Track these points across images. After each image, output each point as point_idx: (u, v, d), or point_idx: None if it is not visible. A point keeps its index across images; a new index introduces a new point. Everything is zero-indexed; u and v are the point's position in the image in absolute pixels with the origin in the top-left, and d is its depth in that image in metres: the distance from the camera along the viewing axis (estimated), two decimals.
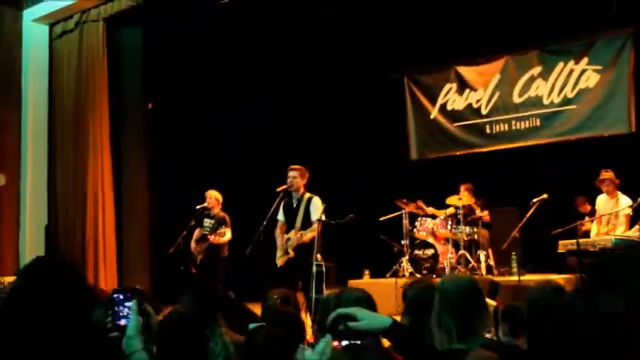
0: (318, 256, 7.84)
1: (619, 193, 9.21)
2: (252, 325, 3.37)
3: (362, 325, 2.12)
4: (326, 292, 7.86)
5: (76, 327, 2.17)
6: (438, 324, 3.15)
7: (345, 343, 2.09)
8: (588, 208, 10.59)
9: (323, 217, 8.06)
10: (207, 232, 9.88)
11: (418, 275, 10.50)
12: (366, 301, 3.50)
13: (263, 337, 2.96)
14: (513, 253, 10.31)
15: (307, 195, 8.45)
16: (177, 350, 3.03)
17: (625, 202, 8.80)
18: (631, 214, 8.51)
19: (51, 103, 11.63)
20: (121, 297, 2.62)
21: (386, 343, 2.84)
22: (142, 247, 11.57)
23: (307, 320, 7.72)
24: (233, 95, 12.24)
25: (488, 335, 3.53)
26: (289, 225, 8.47)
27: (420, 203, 11.36)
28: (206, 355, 3.23)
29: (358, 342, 2.13)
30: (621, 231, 8.24)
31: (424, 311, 3.38)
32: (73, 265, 2.26)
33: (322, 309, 3.96)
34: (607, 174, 9.04)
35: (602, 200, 9.01)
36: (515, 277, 9.84)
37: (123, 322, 2.58)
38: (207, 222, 10.04)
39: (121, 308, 2.61)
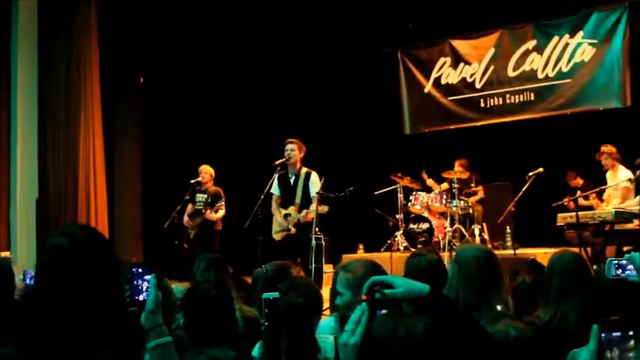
0: (317, 229, 7.80)
1: (620, 166, 9.18)
2: (265, 295, 3.29)
3: (399, 292, 2.05)
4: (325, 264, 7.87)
5: (109, 296, 2.10)
6: (454, 294, 3.10)
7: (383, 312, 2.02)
8: (580, 182, 10.59)
9: (321, 191, 8.01)
10: (200, 207, 9.86)
11: (413, 249, 10.46)
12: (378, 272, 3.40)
13: (284, 307, 2.89)
14: (508, 227, 10.36)
15: (304, 170, 8.41)
16: (208, 322, 3.02)
17: (623, 175, 8.78)
18: (629, 186, 8.48)
19: (41, 75, 11.43)
20: (140, 271, 2.54)
21: None
22: (134, 221, 11.50)
23: None
24: (227, 69, 12.09)
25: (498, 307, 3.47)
26: (286, 199, 8.42)
27: (424, 174, 11.31)
28: (235, 326, 3.19)
29: None
30: (616, 203, 8.22)
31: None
32: (110, 240, 2.20)
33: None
34: (605, 148, 9.01)
35: (608, 175, 8.97)
36: (510, 251, 9.87)
37: (142, 296, 2.51)
38: (200, 197, 10.01)
39: (140, 282, 2.53)
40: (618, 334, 1.65)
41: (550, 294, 3.70)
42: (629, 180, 8.44)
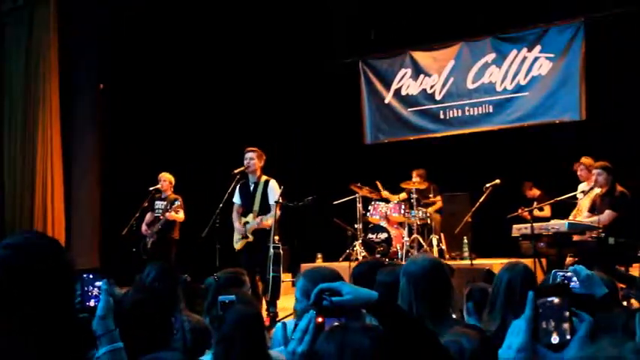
0: (276, 237, 7.81)
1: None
2: (222, 297, 3.30)
3: (346, 300, 2.06)
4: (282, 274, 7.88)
5: (61, 306, 2.08)
6: (407, 305, 3.11)
7: (332, 321, 2.03)
8: (536, 193, 10.75)
9: (281, 200, 8.02)
10: (159, 215, 9.80)
11: None
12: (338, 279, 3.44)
13: (238, 317, 2.89)
14: (465, 237, 10.47)
15: (264, 177, 8.41)
16: (143, 327, 2.99)
17: (581, 187, 8.89)
18: (581, 198, 8.59)
19: (1, 78, 11.30)
20: (91, 277, 2.54)
21: None
22: (92, 228, 11.36)
23: (263, 303, 7.71)
24: (188, 76, 12.05)
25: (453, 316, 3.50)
26: (246, 208, 8.40)
27: (378, 184, 11.36)
28: (170, 331, 3.18)
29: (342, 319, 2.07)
30: (584, 216, 8.31)
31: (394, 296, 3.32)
32: (57, 241, 2.17)
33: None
34: (584, 160, 9.07)
35: (580, 187, 9.05)
36: (468, 261, 9.97)
37: (92, 302, 2.50)
38: (159, 204, 9.97)
39: (91, 288, 2.53)
40: (553, 299, 1.69)
41: (496, 304, 3.74)
42: (582, 192, 8.55)
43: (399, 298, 3.17)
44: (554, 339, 1.66)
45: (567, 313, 1.67)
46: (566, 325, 1.66)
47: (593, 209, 8.11)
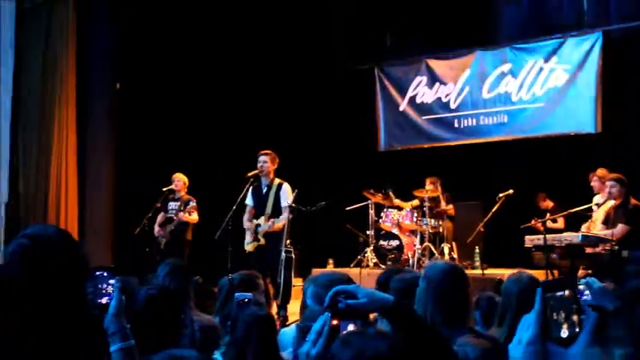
0: (288, 241, 7.81)
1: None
2: (239, 295, 3.30)
3: (362, 303, 2.05)
4: (294, 278, 7.88)
5: (73, 301, 2.09)
6: (423, 309, 3.11)
7: (346, 324, 2.02)
8: (550, 204, 10.70)
9: (293, 204, 8.03)
10: (172, 215, 9.82)
11: (382, 266, 10.50)
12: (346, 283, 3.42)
13: (252, 319, 2.89)
14: (477, 247, 10.43)
15: (277, 181, 8.45)
16: (155, 324, 3.00)
17: (596, 199, 8.84)
18: (595, 210, 8.54)
19: (15, 76, 11.32)
20: (104, 274, 2.54)
21: None
22: (105, 227, 11.35)
23: (274, 307, 7.71)
24: (204, 79, 12.06)
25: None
26: (258, 210, 8.45)
27: (390, 193, 11.33)
28: (180, 329, 3.19)
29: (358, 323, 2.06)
30: (598, 228, 8.27)
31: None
32: (72, 236, 2.18)
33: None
34: (600, 171, 9.03)
35: (595, 198, 9.01)
36: (479, 271, 9.95)
37: (105, 299, 2.50)
38: (172, 205, 10.02)
39: (104, 286, 2.53)
40: (562, 292, 1.71)
41: (505, 315, 3.73)
42: (597, 205, 8.51)
43: (415, 303, 3.16)
44: (564, 332, 1.67)
45: (576, 306, 1.67)
46: (575, 317, 1.68)
47: (607, 221, 8.07)
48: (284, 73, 12.40)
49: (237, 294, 3.44)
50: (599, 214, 8.38)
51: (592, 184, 9.09)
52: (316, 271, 10.42)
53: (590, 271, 7.50)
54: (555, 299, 1.70)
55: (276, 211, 8.26)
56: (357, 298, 2.06)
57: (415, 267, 10.13)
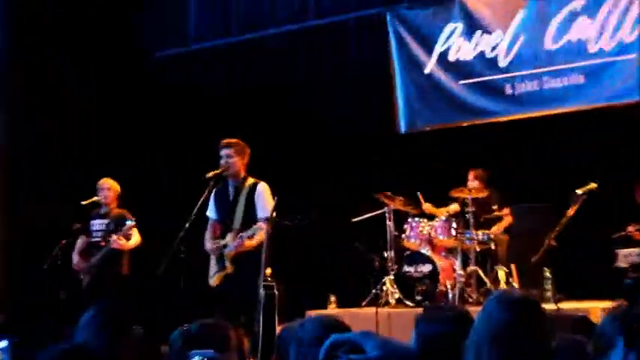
0: (267, 270, 7.73)
1: None
2: (197, 354, 3.49)
3: (374, 357, 1.99)
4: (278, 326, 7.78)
5: None
6: (476, 352, 3.16)
7: None
8: None
9: (274, 215, 7.94)
10: (99, 239, 9.77)
11: (409, 303, 10.53)
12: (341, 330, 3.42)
13: None
14: (547, 269, 10.33)
15: (250, 181, 8.52)
16: None
17: None
18: None
19: None
20: None
21: None
22: None
23: None
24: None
25: None
26: (224, 224, 8.49)
27: (420, 196, 11.28)
28: None
29: None
30: None
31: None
32: None
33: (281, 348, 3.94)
34: None
35: None
36: (551, 305, 9.83)
37: None
38: (97, 224, 10.00)
39: None
40: None
41: None
42: None
43: (465, 350, 3.21)
44: None
45: None
46: None
47: None
48: None
49: (193, 352, 3.38)
50: None
51: None
52: (312, 314, 10.35)
53: None
54: None
55: (249, 224, 8.26)
56: (364, 352, 2.08)
57: (457, 301, 10.16)
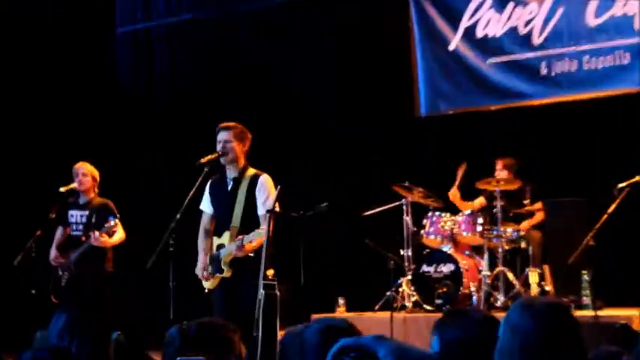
0: (269, 271, 7.66)
1: None
2: None
3: None
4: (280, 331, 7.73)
5: None
6: None
7: None
8: None
9: (277, 208, 7.87)
10: (78, 233, 9.77)
11: (428, 307, 10.55)
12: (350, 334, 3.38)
13: None
14: (584, 272, 10.30)
15: (251, 171, 8.41)
16: None
17: None
18: None
19: None
20: None
21: None
22: None
23: None
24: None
25: None
26: (221, 220, 8.40)
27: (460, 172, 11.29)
28: None
29: None
30: None
31: None
32: None
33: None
34: None
35: None
36: (589, 311, 9.81)
37: None
38: (75, 215, 10.06)
39: None
40: None
41: None
42: None
43: (495, 355, 3.24)
44: None
45: None
46: None
47: None
48: None
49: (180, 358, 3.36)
50: None
51: None
52: (317, 319, 10.31)
53: None
54: None
55: (250, 221, 8.16)
56: (376, 358, 2.07)
57: (482, 306, 10.19)
